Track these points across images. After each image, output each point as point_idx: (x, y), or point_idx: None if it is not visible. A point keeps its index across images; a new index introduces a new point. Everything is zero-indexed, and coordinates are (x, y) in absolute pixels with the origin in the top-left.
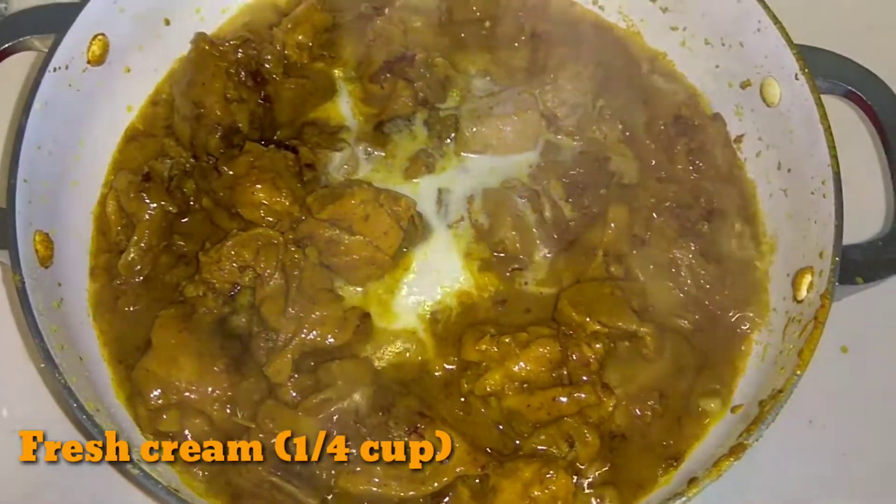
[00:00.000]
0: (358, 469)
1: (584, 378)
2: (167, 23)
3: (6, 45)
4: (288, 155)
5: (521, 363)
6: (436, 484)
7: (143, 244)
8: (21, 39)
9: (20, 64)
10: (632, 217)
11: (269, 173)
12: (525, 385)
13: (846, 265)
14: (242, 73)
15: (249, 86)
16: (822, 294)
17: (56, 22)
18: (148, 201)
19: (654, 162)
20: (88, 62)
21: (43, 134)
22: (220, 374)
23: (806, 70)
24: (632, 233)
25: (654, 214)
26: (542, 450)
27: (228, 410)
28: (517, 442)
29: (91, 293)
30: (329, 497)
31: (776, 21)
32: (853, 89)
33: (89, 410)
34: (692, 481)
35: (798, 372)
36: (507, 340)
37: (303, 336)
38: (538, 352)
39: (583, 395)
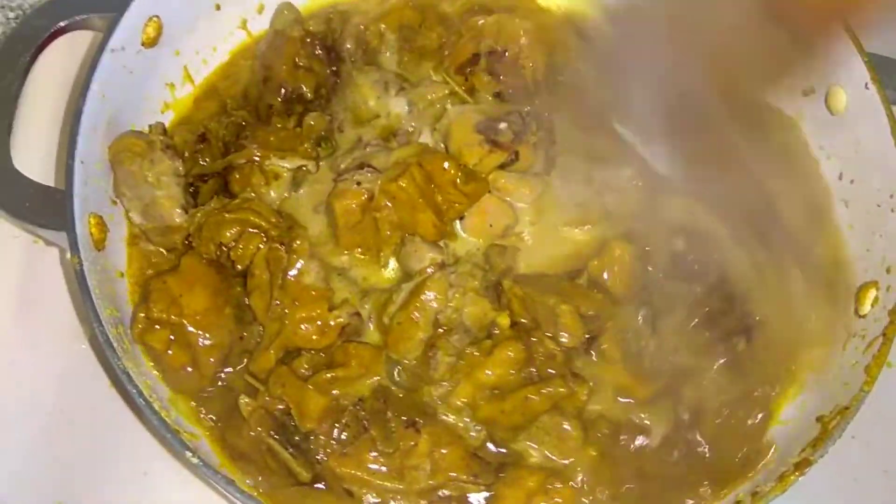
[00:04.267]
0: (346, 451)
1: (552, 371)
2: (217, 7)
3: (64, 23)
4: None
5: (489, 370)
6: (431, 482)
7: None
8: (82, 17)
9: (59, 50)
10: None
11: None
12: (496, 391)
13: None
14: (318, 44)
15: (322, 58)
16: (891, 310)
17: (113, 1)
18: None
19: None
20: (142, 44)
21: (97, 116)
22: (226, 318)
23: (877, 79)
24: None
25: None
26: (532, 450)
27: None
28: (503, 450)
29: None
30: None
31: (846, 28)
32: None
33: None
34: (755, 495)
35: (865, 388)
36: (471, 352)
37: (285, 336)
38: (504, 355)
39: (551, 389)
